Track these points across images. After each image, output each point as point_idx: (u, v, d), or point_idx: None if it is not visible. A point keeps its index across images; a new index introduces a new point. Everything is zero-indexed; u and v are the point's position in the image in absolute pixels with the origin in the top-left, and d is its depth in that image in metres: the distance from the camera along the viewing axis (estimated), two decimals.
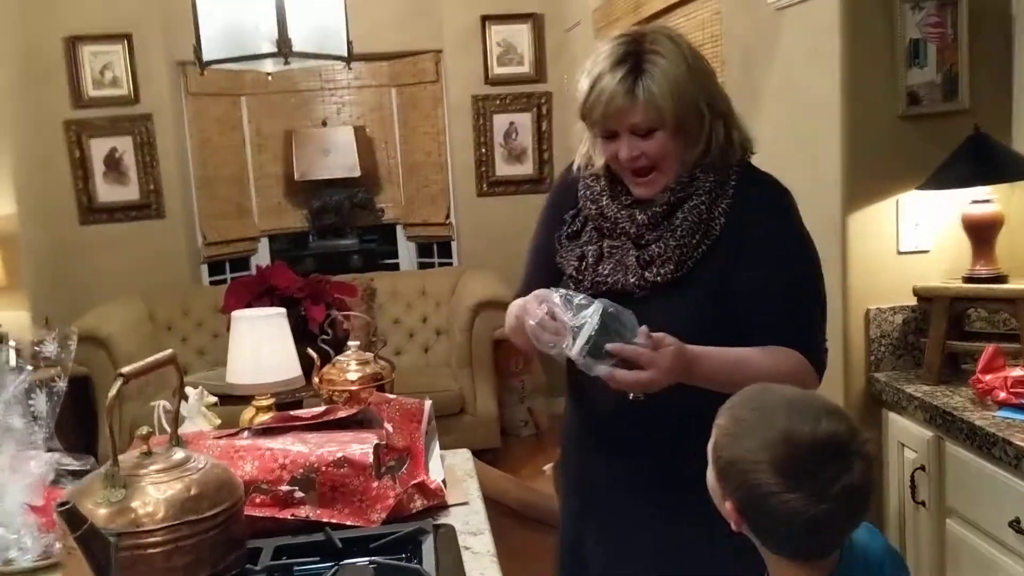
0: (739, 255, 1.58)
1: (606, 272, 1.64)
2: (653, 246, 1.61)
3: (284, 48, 3.44)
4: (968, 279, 2.24)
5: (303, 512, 1.59)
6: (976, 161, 2.17)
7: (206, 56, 3.54)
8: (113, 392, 1.29)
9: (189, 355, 5.05)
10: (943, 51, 2.29)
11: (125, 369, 1.32)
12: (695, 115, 1.58)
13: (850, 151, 2.34)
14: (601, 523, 1.76)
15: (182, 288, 5.28)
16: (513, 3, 5.38)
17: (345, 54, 3.73)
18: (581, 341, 1.43)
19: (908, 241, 2.38)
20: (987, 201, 2.22)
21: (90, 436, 4.28)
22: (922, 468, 2.16)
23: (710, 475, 1.27)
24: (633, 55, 1.56)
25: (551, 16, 5.40)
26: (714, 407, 1.30)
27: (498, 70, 5.45)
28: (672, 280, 1.58)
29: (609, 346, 1.43)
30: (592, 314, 1.44)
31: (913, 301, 2.36)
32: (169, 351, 1.42)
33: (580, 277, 1.67)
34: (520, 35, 5.42)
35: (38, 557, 1.53)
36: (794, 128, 2.57)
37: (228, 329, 4.24)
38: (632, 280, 1.61)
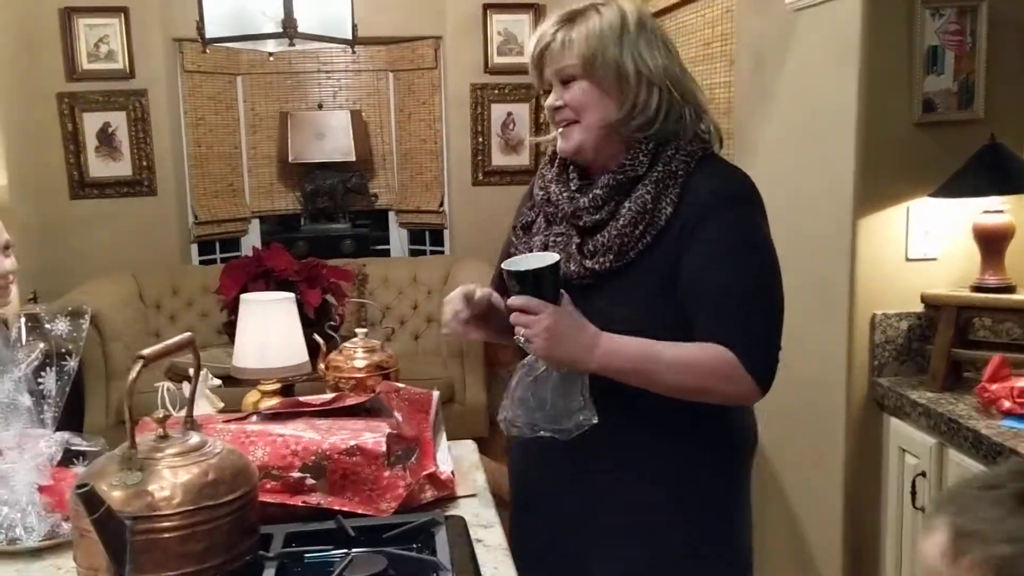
0: (687, 247, 1.54)
1: None
2: (598, 235, 1.58)
3: (289, 29, 3.42)
4: (976, 288, 2.25)
5: (314, 499, 1.58)
6: (991, 171, 2.17)
7: (209, 33, 3.51)
8: (133, 375, 1.26)
9: (178, 335, 4.99)
10: (960, 59, 2.29)
11: (145, 352, 1.30)
12: (614, 71, 1.55)
13: (863, 156, 2.33)
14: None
15: (172, 266, 5.22)
16: None
17: (349, 37, 3.71)
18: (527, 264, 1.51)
19: (917, 248, 2.38)
20: (999, 212, 2.22)
21: (72, 412, 4.22)
22: (923, 474, 2.17)
23: None
24: (578, 12, 1.59)
25: (553, 7, 5.34)
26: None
27: (498, 59, 5.41)
28: (613, 269, 1.56)
29: (513, 299, 1.50)
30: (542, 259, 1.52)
31: (919, 308, 2.36)
32: (187, 334, 1.40)
33: None
34: (521, 25, 5.39)
35: (44, 537, 1.51)
36: (807, 131, 2.56)
37: (222, 310, 4.23)
38: (573, 268, 1.58)
